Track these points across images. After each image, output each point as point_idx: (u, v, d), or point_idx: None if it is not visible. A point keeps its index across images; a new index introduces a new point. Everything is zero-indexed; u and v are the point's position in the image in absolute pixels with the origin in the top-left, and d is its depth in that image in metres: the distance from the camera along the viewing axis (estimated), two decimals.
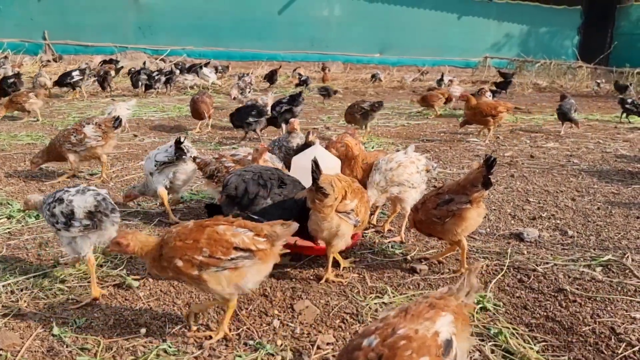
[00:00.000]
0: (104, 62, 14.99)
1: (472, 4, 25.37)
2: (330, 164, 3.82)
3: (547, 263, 3.70)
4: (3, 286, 3.13)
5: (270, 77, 15.11)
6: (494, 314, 3.02)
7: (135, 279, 3.28)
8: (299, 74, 15.98)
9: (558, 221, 4.67)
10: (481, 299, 3.12)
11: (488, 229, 4.44)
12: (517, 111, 9.51)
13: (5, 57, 16.91)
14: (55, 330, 2.72)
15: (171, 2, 21.29)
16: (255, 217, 3.24)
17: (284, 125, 7.87)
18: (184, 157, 4.25)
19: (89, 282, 3.22)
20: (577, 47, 27.25)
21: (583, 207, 5.05)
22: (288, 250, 3.13)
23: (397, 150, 7.50)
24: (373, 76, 18.19)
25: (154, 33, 21.45)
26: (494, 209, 4.98)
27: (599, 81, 18.36)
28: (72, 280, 3.26)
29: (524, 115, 11.51)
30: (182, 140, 4.21)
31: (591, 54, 23.73)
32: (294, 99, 8.14)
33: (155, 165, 4.26)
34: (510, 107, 8.47)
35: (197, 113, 8.37)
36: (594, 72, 21.59)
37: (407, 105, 12.99)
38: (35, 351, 2.58)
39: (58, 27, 20.52)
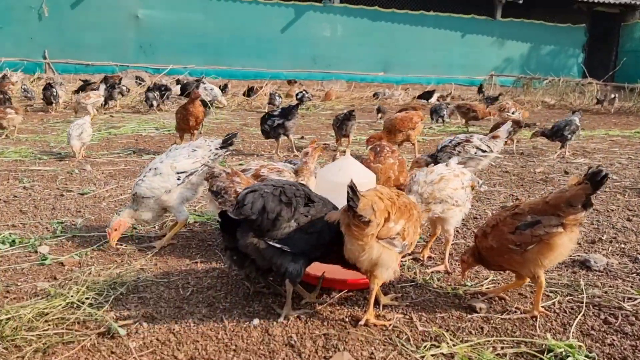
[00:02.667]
0: (105, 78, 14.40)
1: (475, 22, 25.03)
2: (365, 179, 3.15)
3: (633, 299, 3.01)
4: None
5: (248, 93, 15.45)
6: None
7: (123, 325, 2.58)
8: (304, 92, 15.60)
9: (622, 245, 4.00)
10: (569, 348, 2.43)
11: None
12: (530, 127, 8.89)
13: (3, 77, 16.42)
14: None
15: (172, 20, 20.96)
16: (278, 245, 2.56)
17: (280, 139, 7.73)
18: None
19: (67, 327, 2.53)
20: (583, 64, 26.87)
21: None
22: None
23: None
24: (375, 94, 17.95)
25: (155, 52, 21.04)
26: None
27: (599, 97, 17.75)
28: (44, 326, 2.56)
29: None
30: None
31: (596, 72, 23.33)
32: (287, 113, 7.62)
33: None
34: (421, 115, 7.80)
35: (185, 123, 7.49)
36: (603, 89, 21.11)
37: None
38: None
39: (58, 46, 20.12)
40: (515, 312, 2.86)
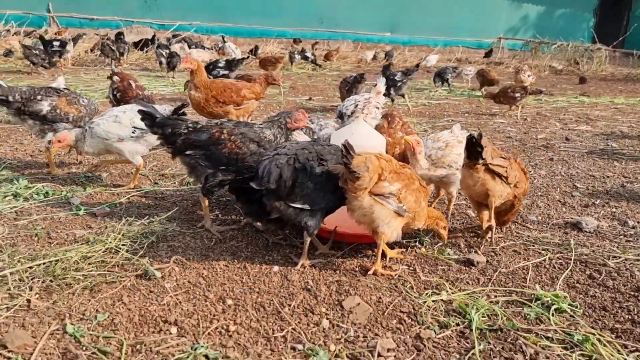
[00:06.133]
0: (119, 35, 14.37)
1: None
2: (373, 142, 3.40)
3: (617, 257, 3.30)
4: (10, 274, 2.74)
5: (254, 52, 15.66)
6: (572, 316, 2.64)
7: (159, 269, 2.89)
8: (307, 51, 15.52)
9: (614, 209, 4.27)
10: (554, 298, 2.73)
11: (539, 217, 4.05)
12: (539, 94, 9.03)
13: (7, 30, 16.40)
14: (70, 329, 2.34)
15: None
16: (299, 206, 2.85)
17: None
18: None
19: (108, 269, 2.85)
20: (593, 29, 26.54)
21: (636, 194, 4.65)
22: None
23: (425, 131, 7.10)
24: (375, 57, 17.71)
25: (160, 7, 20.85)
26: (541, 195, 4.58)
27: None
28: (89, 267, 2.87)
29: (548, 98, 11.06)
30: None
31: (606, 37, 23.07)
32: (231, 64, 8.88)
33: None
34: (257, 91, 5.62)
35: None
36: (611, 55, 20.98)
37: (425, 85, 12.52)
38: (50, 353, 2.20)
39: (63, 0, 19.96)
40: (507, 267, 3.16)
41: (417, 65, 10.64)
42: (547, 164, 5.65)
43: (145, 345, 2.28)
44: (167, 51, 12.10)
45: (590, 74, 17.24)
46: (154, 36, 15.17)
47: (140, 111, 3.44)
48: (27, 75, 10.68)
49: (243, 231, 3.51)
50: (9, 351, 2.18)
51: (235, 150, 3.21)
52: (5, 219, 3.51)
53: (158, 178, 4.58)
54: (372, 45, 22.71)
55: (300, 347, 2.31)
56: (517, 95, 8.50)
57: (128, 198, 4.02)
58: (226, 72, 9.28)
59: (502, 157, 3.30)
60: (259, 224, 3.42)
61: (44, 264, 2.85)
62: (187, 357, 2.19)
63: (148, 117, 3.42)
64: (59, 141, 4.05)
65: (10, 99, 4.28)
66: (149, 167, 4.84)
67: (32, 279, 2.71)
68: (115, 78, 5.11)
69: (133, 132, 4.00)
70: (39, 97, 4.33)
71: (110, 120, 4.00)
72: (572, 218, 4.01)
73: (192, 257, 3.11)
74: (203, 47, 14.24)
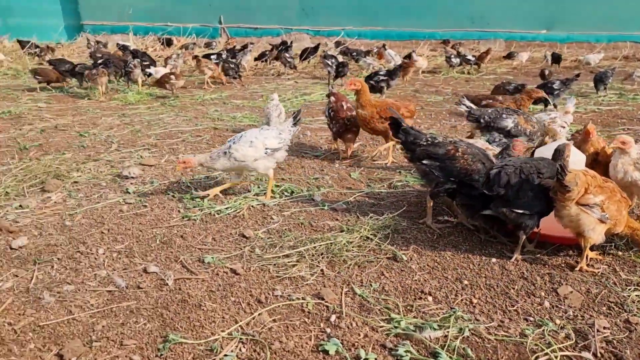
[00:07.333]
0: (284, 43, 15.97)
1: None
2: (576, 158, 4.01)
3: None
4: (306, 250, 3.87)
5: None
6: None
7: (403, 254, 3.83)
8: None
9: None
10: None
11: None
12: None
13: (194, 43, 18.86)
14: (357, 290, 3.36)
15: None
16: (521, 211, 3.59)
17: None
18: None
19: (366, 252, 3.86)
20: None
21: None
22: None
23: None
24: (509, 55, 16.73)
25: (316, 14, 22.48)
26: None
27: None
28: (352, 249, 3.90)
29: None
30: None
31: None
32: (392, 73, 9.63)
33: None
34: (412, 109, 6.29)
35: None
36: None
37: (590, 88, 12.25)
38: (351, 305, 3.22)
39: (231, 11, 22.47)
40: None
41: (578, 75, 10.45)
42: None
43: (413, 306, 3.21)
44: (334, 60, 13.29)
45: None
46: (318, 45, 16.59)
47: (391, 117, 4.44)
48: (222, 86, 12.51)
49: (457, 229, 4.33)
50: (325, 301, 3.25)
51: (466, 167, 4.02)
52: (274, 211, 4.73)
53: (369, 181, 5.58)
54: (525, 44, 22.13)
55: (531, 318, 3.07)
56: None
57: (354, 197, 5.06)
58: (385, 78, 9.93)
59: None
60: (474, 223, 4.21)
61: (322, 245, 3.95)
62: (450, 316, 3.07)
63: (395, 124, 4.38)
64: (184, 162, 4.87)
65: (481, 121, 5.54)
66: (359, 172, 5.86)
67: (320, 255, 3.81)
68: (332, 98, 6.21)
69: (265, 152, 4.87)
70: (504, 116, 5.48)
71: (246, 145, 4.84)
72: None
73: (423, 247, 4.01)
74: (365, 55, 15.23)
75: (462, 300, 3.28)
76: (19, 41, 16.56)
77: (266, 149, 4.82)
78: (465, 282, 3.49)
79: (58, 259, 3.85)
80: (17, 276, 3.61)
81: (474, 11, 22.50)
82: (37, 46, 15.85)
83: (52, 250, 3.99)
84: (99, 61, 11.26)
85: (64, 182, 5.43)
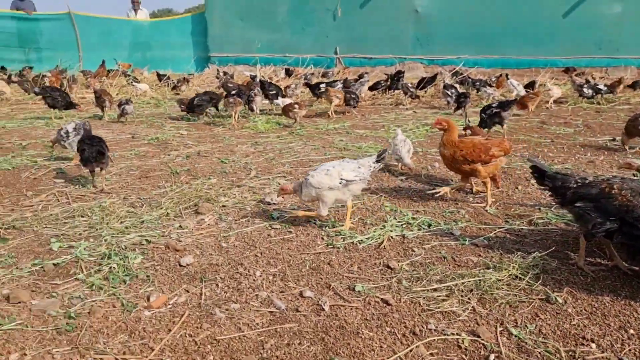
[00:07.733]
0: (399, 73, 16.22)
1: None
2: None
3: None
4: (455, 285, 3.92)
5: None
6: None
7: (557, 296, 3.73)
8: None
9: None
10: None
11: None
12: None
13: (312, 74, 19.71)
14: (513, 331, 3.34)
15: (449, 11, 21.98)
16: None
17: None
18: None
19: (517, 292, 3.81)
20: None
21: None
22: None
23: None
24: (633, 85, 15.21)
25: (431, 43, 22.50)
26: None
27: None
28: (502, 288, 3.87)
29: None
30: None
31: None
32: (505, 104, 8.84)
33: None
34: (506, 147, 5.80)
35: None
36: None
37: None
38: (508, 346, 3.21)
39: (347, 42, 23.26)
40: None
41: None
42: None
43: (576, 352, 3.12)
44: (453, 90, 13.18)
45: None
46: (436, 74, 16.58)
47: (532, 167, 4.39)
48: (342, 115, 12.93)
49: (612, 272, 4.13)
50: (481, 339, 3.27)
51: (626, 203, 3.85)
52: (414, 243, 4.82)
53: (506, 217, 5.48)
54: None
55: None
56: None
57: (494, 233, 5.01)
58: (498, 111, 9.31)
59: None
60: (633, 268, 3.99)
61: (471, 282, 3.97)
62: None
63: (537, 172, 4.34)
64: (282, 189, 5.33)
65: None
66: (495, 207, 5.78)
67: (469, 291, 3.84)
68: (468, 132, 6.25)
69: (340, 182, 4.99)
70: None
71: (322, 173, 5.05)
72: None
73: (577, 289, 3.87)
74: (484, 85, 14.95)
75: (630, 350, 3.12)
76: (157, 74, 18.46)
77: (341, 179, 5.03)
78: (631, 331, 3.32)
79: (221, 278, 4.24)
80: (188, 292, 4.04)
81: (602, 36, 21.23)
82: (169, 77, 17.58)
83: (214, 269, 4.40)
84: (232, 92, 12.20)
85: (214, 206, 5.95)
